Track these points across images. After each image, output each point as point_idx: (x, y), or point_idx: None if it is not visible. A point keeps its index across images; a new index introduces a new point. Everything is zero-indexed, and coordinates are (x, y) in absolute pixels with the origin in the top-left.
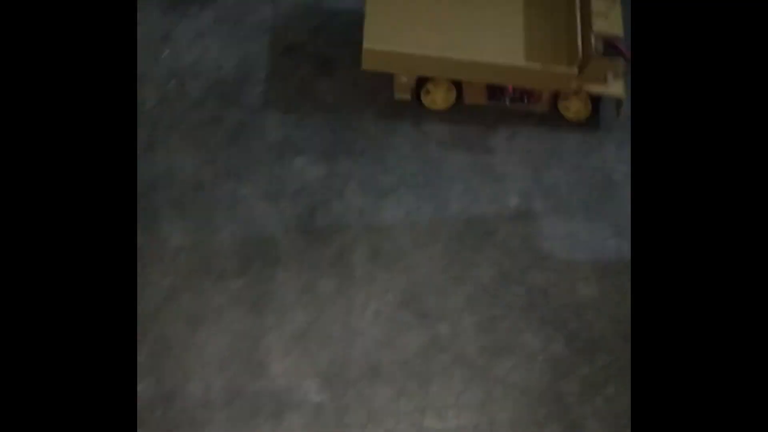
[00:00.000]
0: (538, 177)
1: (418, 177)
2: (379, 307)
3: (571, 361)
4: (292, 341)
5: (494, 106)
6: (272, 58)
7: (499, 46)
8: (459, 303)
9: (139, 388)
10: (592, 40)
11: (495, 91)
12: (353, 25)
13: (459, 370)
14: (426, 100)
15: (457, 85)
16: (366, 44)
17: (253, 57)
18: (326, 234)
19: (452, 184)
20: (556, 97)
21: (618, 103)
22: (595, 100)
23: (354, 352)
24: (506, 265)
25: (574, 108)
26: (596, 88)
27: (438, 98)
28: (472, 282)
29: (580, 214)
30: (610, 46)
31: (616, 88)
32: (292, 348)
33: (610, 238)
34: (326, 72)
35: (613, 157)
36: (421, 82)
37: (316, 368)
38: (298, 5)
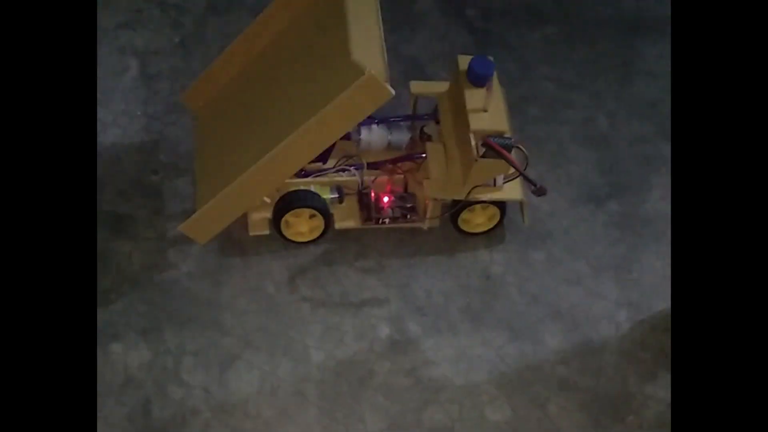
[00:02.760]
0: (405, 295)
1: (264, 332)
2: None
3: None
4: None
5: (371, 228)
6: None
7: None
8: None
9: None
10: (472, 141)
11: (369, 210)
12: (141, 169)
13: None
14: (289, 233)
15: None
16: (182, 225)
17: None
18: (170, 430)
19: (307, 328)
20: (456, 211)
21: (521, 206)
22: (502, 209)
23: None
24: (395, 410)
25: (477, 221)
26: (488, 195)
27: (302, 228)
28: None
29: (464, 325)
30: (484, 145)
31: (511, 191)
32: None
33: (506, 345)
34: (124, 234)
35: (485, 250)
36: (279, 214)
37: None
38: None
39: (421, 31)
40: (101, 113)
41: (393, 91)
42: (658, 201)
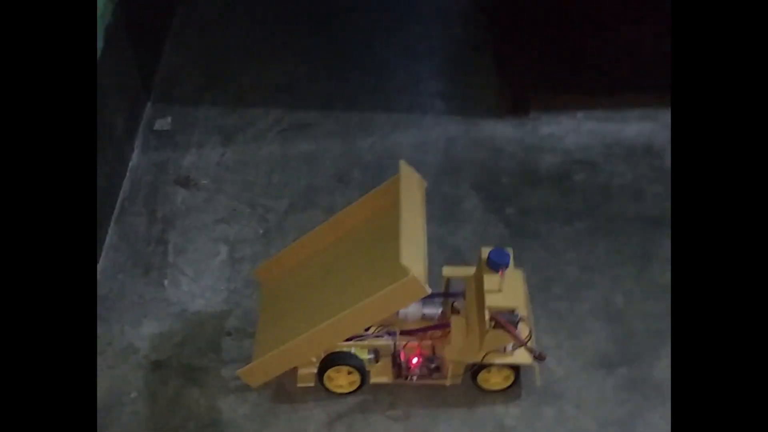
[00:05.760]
0: None
1: None
2: None
3: None
4: None
5: (402, 384)
6: (141, 377)
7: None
8: None
9: None
10: (486, 315)
11: (400, 369)
12: (218, 331)
13: None
14: (331, 386)
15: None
16: (239, 371)
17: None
18: None
19: None
20: (475, 371)
21: (533, 370)
22: (516, 371)
23: None
24: None
25: (494, 380)
26: (500, 360)
27: (342, 382)
28: None
29: None
30: (491, 319)
31: (520, 356)
32: None
33: None
34: (195, 383)
35: (502, 405)
36: (323, 370)
37: None
38: (162, 323)
39: (465, 226)
40: (193, 287)
41: (429, 290)
42: (666, 369)
